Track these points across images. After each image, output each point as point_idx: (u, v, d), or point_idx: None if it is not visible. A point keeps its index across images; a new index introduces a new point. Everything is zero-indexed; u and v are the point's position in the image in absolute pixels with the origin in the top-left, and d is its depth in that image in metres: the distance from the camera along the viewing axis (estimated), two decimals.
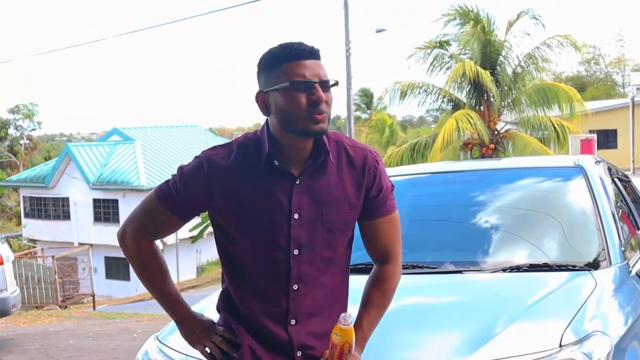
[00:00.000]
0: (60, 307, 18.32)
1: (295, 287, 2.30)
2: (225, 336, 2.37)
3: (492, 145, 19.36)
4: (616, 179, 4.57)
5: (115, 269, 34.14)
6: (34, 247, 32.71)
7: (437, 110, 22.88)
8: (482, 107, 20.00)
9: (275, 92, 2.23)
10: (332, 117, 2.32)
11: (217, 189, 2.29)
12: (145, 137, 36.51)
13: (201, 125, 43.10)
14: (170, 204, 2.35)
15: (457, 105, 20.32)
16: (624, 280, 3.36)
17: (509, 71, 20.24)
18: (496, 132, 20.11)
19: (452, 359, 2.65)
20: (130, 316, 13.16)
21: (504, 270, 3.45)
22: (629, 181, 5.23)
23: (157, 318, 12.27)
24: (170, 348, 3.12)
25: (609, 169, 4.57)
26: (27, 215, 37.23)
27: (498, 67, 20.02)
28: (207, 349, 2.42)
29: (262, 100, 2.30)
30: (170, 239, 32.49)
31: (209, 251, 33.61)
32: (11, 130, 53.04)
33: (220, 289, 2.49)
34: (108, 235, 33.81)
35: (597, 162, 4.42)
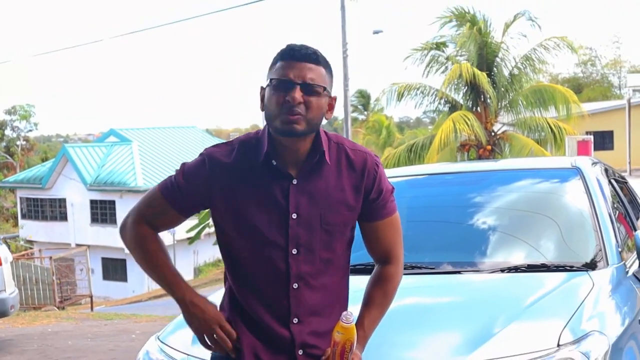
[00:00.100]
0: (58, 308, 18.33)
1: (295, 285, 2.33)
2: (226, 329, 2.35)
3: (489, 147, 19.39)
4: (613, 181, 4.60)
5: (112, 270, 34.13)
6: (31, 248, 32.69)
7: (434, 112, 22.89)
8: (479, 109, 20.03)
9: (268, 88, 2.32)
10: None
11: (216, 186, 2.34)
12: (142, 138, 36.52)
13: (198, 126, 43.12)
14: (172, 198, 2.39)
15: (454, 107, 20.34)
16: (620, 281, 3.39)
17: (506, 73, 20.26)
18: (493, 134, 20.14)
19: (451, 358, 2.68)
20: (128, 317, 13.17)
21: (502, 270, 3.48)
22: (626, 182, 5.27)
23: (155, 319, 12.29)
24: (172, 348, 3.15)
25: (606, 171, 4.60)
26: (24, 217, 37.20)
27: (495, 69, 20.05)
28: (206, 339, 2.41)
29: (261, 95, 2.37)
30: (167, 239, 32.51)
31: (206, 252, 33.63)
32: (8, 131, 53.03)
33: (223, 288, 2.51)
34: (105, 236, 33.82)
35: (594, 163, 4.46)
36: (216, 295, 2.94)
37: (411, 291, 3.25)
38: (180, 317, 3.51)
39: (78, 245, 30.96)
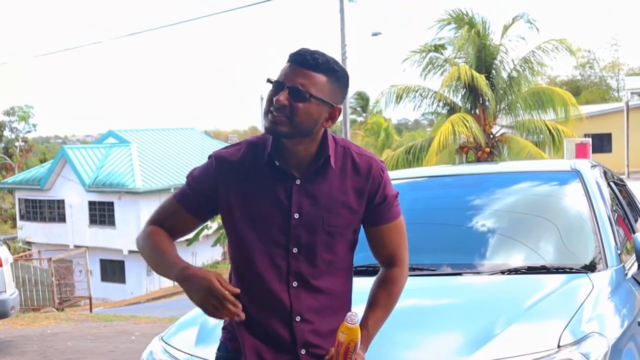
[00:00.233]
0: (57, 309, 18.32)
1: (294, 284, 2.37)
2: (224, 284, 2.21)
3: (488, 149, 19.41)
4: (612, 183, 4.63)
5: (110, 272, 34.12)
6: (29, 249, 32.67)
7: (433, 114, 22.93)
8: (477, 111, 20.06)
9: None
10: None
11: (223, 185, 2.39)
12: (141, 140, 36.51)
13: (197, 128, 43.12)
14: (184, 200, 2.45)
15: (452, 109, 20.36)
16: (620, 283, 3.42)
17: (504, 75, 20.29)
18: (492, 136, 20.16)
19: (452, 359, 2.70)
20: (127, 318, 13.19)
21: (503, 272, 3.51)
22: (625, 185, 5.29)
23: (154, 321, 12.31)
24: (175, 348, 3.17)
25: (605, 173, 4.63)
26: (22, 218, 37.18)
27: (493, 71, 20.07)
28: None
29: None
30: None
31: (205, 254, 33.62)
32: (6, 132, 52.99)
33: None
34: (104, 237, 33.82)
35: (593, 166, 4.48)
36: None
37: (412, 293, 3.26)
38: (184, 317, 3.56)
39: (76, 247, 30.94)
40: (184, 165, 35.02)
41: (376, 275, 2.55)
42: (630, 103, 33.46)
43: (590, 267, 3.49)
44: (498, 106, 20.11)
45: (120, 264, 33.95)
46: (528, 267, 3.55)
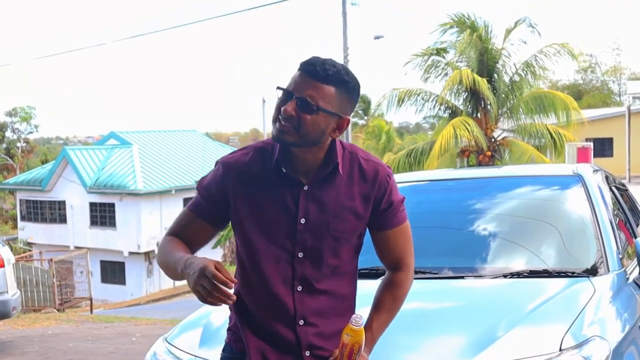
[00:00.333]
0: (57, 310, 18.34)
1: (299, 288, 2.39)
2: (215, 276, 2.15)
3: (489, 153, 19.43)
4: (614, 188, 4.65)
5: (110, 273, 34.11)
6: (29, 250, 32.67)
7: (434, 118, 22.96)
8: (479, 115, 20.08)
9: None
10: None
11: (231, 190, 2.40)
12: (143, 141, 36.52)
13: (198, 130, 43.14)
14: (197, 209, 2.48)
15: (454, 113, 20.38)
16: (621, 287, 3.44)
17: (506, 79, 20.32)
18: (493, 140, 20.18)
19: None
20: (128, 320, 13.19)
21: (505, 276, 3.53)
22: (626, 190, 5.31)
23: (154, 322, 12.31)
24: (179, 349, 3.19)
25: (607, 178, 4.65)
26: (23, 219, 37.18)
27: (495, 75, 20.10)
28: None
29: None
30: None
31: (205, 256, 33.53)
32: (8, 133, 53.04)
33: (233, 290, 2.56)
34: (104, 239, 33.81)
35: (595, 170, 4.50)
36: None
37: (415, 296, 3.26)
38: (187, 318, 3.58)
39: (77, 248, 30.96)
40: (185, 167, 35.05)
41: (381, 278, 2.57)
42: (632, 107, 33.48)
43: (592, 271, 3.50)
44: (500, 110, 20.14)
45: (121, 266, 33.95)
46: (530, 271, 3.57)
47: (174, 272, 2.37)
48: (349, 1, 24.94)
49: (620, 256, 3.66)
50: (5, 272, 8.58)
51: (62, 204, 35.82)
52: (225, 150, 37.37)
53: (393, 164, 20.28)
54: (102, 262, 33.78)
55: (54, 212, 36.17)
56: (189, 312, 3.75)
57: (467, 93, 19.74)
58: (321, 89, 2.28)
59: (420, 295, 3.40)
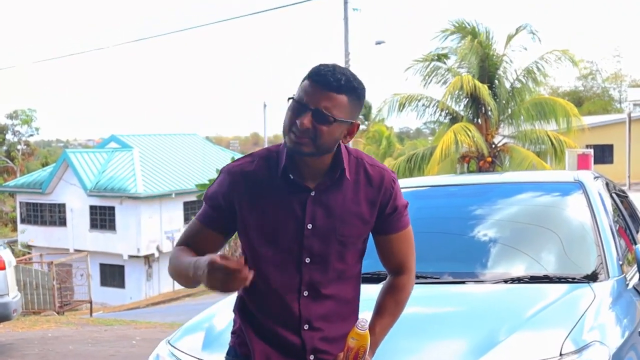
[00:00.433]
0: (57, 313, 18.34)
1: (305, 293, 2.40)
2: (226, 265, 2.15)
3: (490, 159, 19.47)
4: (614, 195, 4.68)
5: (110, 276, 34.11)
6: (29, 253, 32.66)
7: (435, 123, 22.99)
8: (479, 121, 20.12)
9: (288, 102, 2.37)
10: None
11: (237, 197, 2.42)
12: (143, 145, 36.55)
13: (198, 134, 43.18)
14: (204, 218, 2.49)
15: (454, 118, 20.42)
16: (621, 293, 3.46)
17: (507, 85, 20.36)
18: (493, 146, 20.22)
19: None
20: (128, 323, 13.21)
21: (506, 281, 3.56)
22: (626, 197, 5.34)
23: (154, 326, 12.33)
24: (182, 352, 3.21)
25: (607, 185, 4.67)
26: (23, 221, 37.19)
27: (496, 81, 20.14)
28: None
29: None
30: (166, 247, 32.53)
31: None
32: (9, 136, 53.04)
33: (237, 293, 2.58)
34: (104, 242, 33.82)
35: (596, 177, 4.53)
36: (230, 298, 3.00)
37: (416, 300, 3.29)
38: (190, 322, 3.60)
39: (77, 251, 30.94)
40: (185, 171, 35.07)
41: (384, 282, 2.59)
42: (632, 114, 33.50)
43: (592, 277, 3.53)
44: (500, 116, 20.17)
45: (120, 269, 33.95)
46: (531, 276, 3.59)
47: (186, 279, 2.37)
48: (351, 6, 25.01)
49: (621, 262, 3.69)
50: (6, 274, 8.61)
51: (62, 207, 35.83)
52: (225, 155, 37.40)
53: (393, 170, 20.23)
54: (101, 265, 33.78)
55: (54, 215, 36.18)
56: (189, 315, 3.77)
57: (467, 99, 19.78)
58: (335, 99, 2.29)
59: (422, 300, 3.41)
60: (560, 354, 2.70)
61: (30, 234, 36.03)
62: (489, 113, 19.85)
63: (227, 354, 2.57)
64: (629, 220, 4.80)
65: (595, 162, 23.24)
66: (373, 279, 3.33)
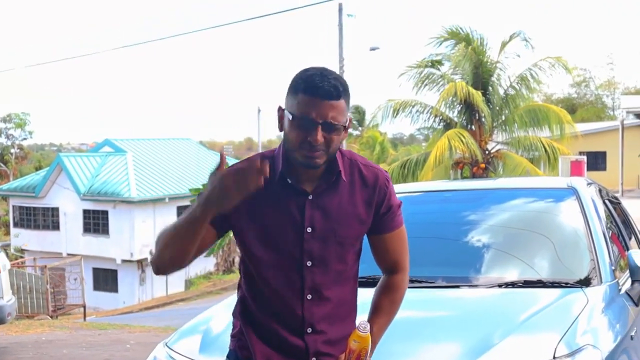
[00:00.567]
0: (51, 317, 18.32)
1: (309, 297, 2.43)
2: (237, 169, 2.21)
3: (483, 165, 19.51)
4: (607, 201, 4.72)
5: (103, 281, 34.05)
6: (22, 257, 32.57)
7: (429, 129, 23.04)
8: (473, 127, 20.16)
9: (287, 115, 2.36)
10: None
11: None
12: (137, 149, 36.52)
13: (192, 138, 43.16)
14: None
15: (448, 125, 20.46)
16: (614, 298, 3.50)
17: (501, 92, 20.43)
18: (487, 152, 20.27)
19: None
20: (121, 327, 13.18)
21: (500, 286, 3.59)
22: (619, 203, 5.38)
23: (149, 329, 12.30)
24: (179, 354, 3.23)
25: (600, 191, 4.72)
26: (16, 225, 37.10)
27: (490, 88, 20.18)
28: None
29: (280, 115, 2.44)
30: None
31: (198, 264, 33.57)
32: (2, 139, 52.94)
33: (237, 297, 2.60)
34: (97, 246, 33.75)
35: (589, 184, 4.58)
36: (227, 302, 3.04)
37: (411, 304, 3.32)
38: (187, 325, 3.62)
39: (70, 255, 30.87)
40: (179, 175, 35.03)
41: (379, 282, 2.62)
42: (625, 122, 33.62)
43: (585, 282, 3.57)
44: (494, 122, 20.24)
45: (113, 273, 33.89)
46: (525, 281, 3.63)
47: (179, 231, 2.32)
48: (345, 12, 25.10)
49: (613, 268, 3.73)
50: (1, 278, 8.61)
51: (55, 211, 35.76)
52: (219, 159, 37.28)
53: None
54: (94, 269, 33.70)
55: (47, 219, 36.10)
56: (183, 319, 3.80)
57: (461, 105, 19.82)
58: (337, 107, 2.31)
59: (416, 304, 3.45)
60: (554, 357, 2.74)
61: (24, 237, 35.94)
62: (483, 119, 19.90)
63: (228, 357, 2.59)
64: (622, 226, 4.85)
65: (588, 169, 23.28)
66: (369, 282, 3.37)
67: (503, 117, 20.40)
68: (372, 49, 29.36)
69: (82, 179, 34.46)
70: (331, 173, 2.43)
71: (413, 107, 20.40)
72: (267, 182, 2.39)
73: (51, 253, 32.36)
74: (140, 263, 33.12)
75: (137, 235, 32.55)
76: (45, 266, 20.99)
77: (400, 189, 4.78)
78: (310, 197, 2.42)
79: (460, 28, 20.48)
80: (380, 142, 44.29)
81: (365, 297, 2.64)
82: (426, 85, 20.47)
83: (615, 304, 3.48)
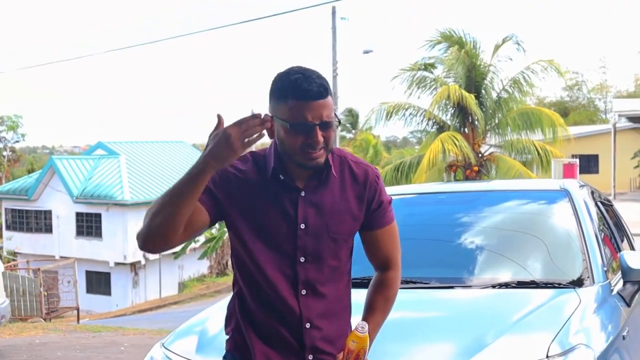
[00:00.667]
0: (44, 319, 18.29)
1: (303, 292, 2.46)
2: (238, 122, 2.27)
3: (476, 168, 19.58)
4: (599, 203, 4.76)
5: (96, 284, 33.99)
6: (14, 260, 32.48)
7: (422, 132, 23.12)
8: (466, 130, 20.24)
9: (279, 122, 2.38)
10: None
11: (225, 196, 2.45)
12: (130, 152, 36.49)
13: (186, 141, 43.16)
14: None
15: (441, 128, 20.54)
16: (606, 299, 3.54)
17: (494, 95, 20.51)
18: (480, 155, 20.34)
19: None
20: (115, 330, 13.17)
21: (493, 286, 3.63)
22: (611, 205, 5.42)
23: (142, 332, 12.31)
24: (176, 354, 3.26)
25: (593, 193, 4.76)
26: (8, 228, 36.99)
27: (483, 91, 20.27)
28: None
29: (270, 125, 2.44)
30: (152, 255, 32.45)
31: (191, 267, 33.59)
32: None
33: (231, 294, 2.62)
34: (90, 249, 33.69)
35: (582, 186, 4.62)
36: (223, 303, 3.06)
37: (405, 305, 3.35)
38: (183, 325, 3.64)
39: (62, 258, 30.81)
40: (172, 178, 34.90)
41: (372, 280, 2.65)
42: (617, 125, 33.74)
43: (578, 283, 3.61)
44: (487, 125, 20.31)
45: (106, 276, 33.84)
46: (518, 281, 3.67)
47: (182, 185, 2.32)
48: (339, 15, 25.16)
49: (605, 269, 3.77)
50: None
51: (48, 214, 35.69)
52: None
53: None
54: (87, 272, 33.64)
55: (40, 222, 36.02)
56: (176, 322, 3.81)
57: (454, 108, 19.90)
58: (327, 104, 2.36)
59: (411, 304, 3.48)
60: (547, 356, 2.78)
61: (16, 240, 35.86)
62: (476, 122, 19.98)
63: (224, 358, 2.60)
64: (614, 228, 4.89)
65: (580, 172, 23.39)
66: (363, 284, 3.39)
67: (496, 120, 20.48)
68: (366, 52, 29.38)
69: (75, 181, 34.41)
70: (322, 169, 2.46)
71: (406, 110, 20.48)
72: (260, 180, 2.45)
73: (44, 256, 32.30)
74: (134, 266, 33.08)
75: (130, 238, 32.48)
76: (39, 269, 20.93)
77: (395, 191, 4.82)
78: (302, 194, 2.46)
79: (454, 31, 20.57)
80: (374, 145, 44.35)
81: (359, 298, 2.67)
82: (419, 88, 20.55)
83: (607, 304, 3.52)
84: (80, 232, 34.59)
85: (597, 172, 35.77)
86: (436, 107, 20.00)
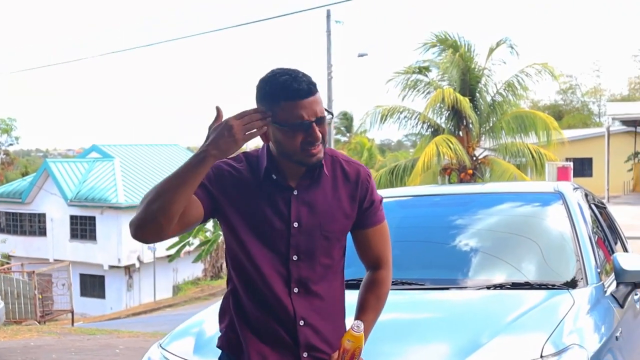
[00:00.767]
0: (38, 322, 18.26)
1: (296, 290, 2.49)
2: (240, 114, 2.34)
3: (471, 171, 19.63)
4: (593, 206, 4.79)
5: (90, 287, 33.96)
6: (7, 262, 32.42)
7: (417, 135, 23.16)
8: (461, 133, 20.29)
9: (274, 126, 2.40)
10: None
11: (220, 194, 2.47)
12: (125, 155, 36.49)
13: (180, 144, 43.15)
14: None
15: (436, 131, 20.59)
16: (599, 300, 3.57)
17: (488, 98, 20.56)
18: (475, 158, 20.39)
19: None
20: (110, 332, 13.16)
21: (488, 288, 3.65)
22: (605, 208, 5.46)
23: (137, 335, 12.30)
24: (174, 355, 3.27)
25: (586, 196, 4.79)
26: (2, 231, 36.94)
27: (477, 94, 20.33)
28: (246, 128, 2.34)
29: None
30: (147, 257, 32.45)
31: (186, 270, 33.58)
32: None
33: (225, 292, 2.65)
34: (84, 252, 33.66)
35: (576, 188, 4.65)
36: (216, 307, 3.06)
37: (400, 306, 3.39)
38: (180, 326, 3.66)
39: (56, 261, 30.78)
40: None
41: (363, 279, 2.67)
42: (611, 128, 33.83)
43: (572, 284, 3.64)
44: (481, 129, 20.36)
45: (101, 279, 33.81)
46: (513, 283, 3.69)
47: (181, 173, 2.33)
48: (334, 19, 25.20)
49: (599, 270, 3.80)
50: None
51: (42, 217, 35.65)
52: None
53: (375, 181, 20.31)
54: (81, 275, 33.62)
55: (34, 225, 35.98)
56: (171, 325, 3.83)
57: (449, 112, 19.95)
58: (318, 99, 2.41)
59: (405, 305, 3.51)
60: (541, 356, 2.80)
61: (10, 243, 35.79)
62: (470, 126, 20.03)
63: (219, 359, 2.63)
64: (608, 231, 4.92)
65: (574, 175, 23.50)
66: (358, 285, 3.42)
67: (490, 124, 20.53)
68: (360, 55, 29.43)
69: (69, 184, 34.38)
70: (314, 167, 2.49)
71: (401, 113, 20.53)
72: (253, 180, 2.49)
73: (38, 259, 32.28)
74: (128, 269, 33.06)
75: (124, 241, 32.47)
76: (33, 272, 20.92)
77: (390, 194, 4.84)
78: (295, 193, 2.49)
79: (448, 34, 20.63)
80: (368, 148, 44.47)
81: (353, 299, 2.69)
82: (414, 91, 20.60)
83: (600, 305, 3.55)
84: (74, 235, 34.57)
85: (591, 175, 35.87)
86: (431, 110, 20.05)
